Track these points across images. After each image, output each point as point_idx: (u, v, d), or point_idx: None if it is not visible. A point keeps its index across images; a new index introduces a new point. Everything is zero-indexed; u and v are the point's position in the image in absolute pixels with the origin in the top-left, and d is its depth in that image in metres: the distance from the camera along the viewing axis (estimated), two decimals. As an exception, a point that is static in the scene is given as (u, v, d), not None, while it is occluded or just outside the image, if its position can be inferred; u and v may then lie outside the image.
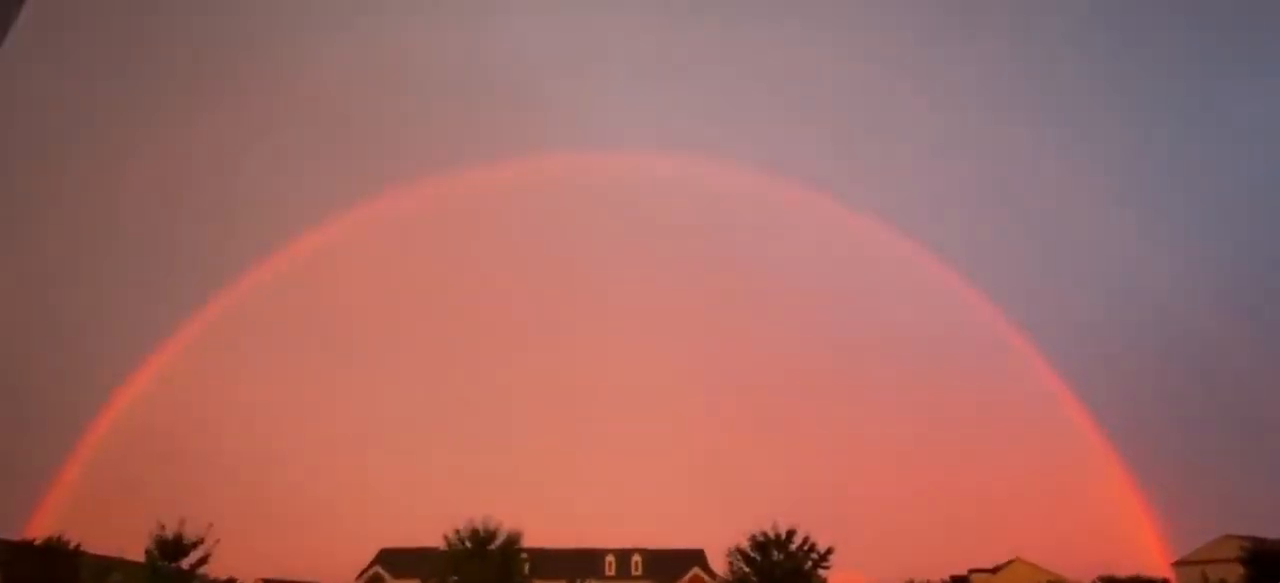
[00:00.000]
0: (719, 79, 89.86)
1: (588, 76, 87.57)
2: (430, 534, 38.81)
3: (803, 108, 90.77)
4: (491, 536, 36.13)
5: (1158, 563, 48.31)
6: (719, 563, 46.42)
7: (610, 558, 55.42)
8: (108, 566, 37.44)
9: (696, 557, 55.36)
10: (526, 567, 38.39)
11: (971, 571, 59.21)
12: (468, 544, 35.79)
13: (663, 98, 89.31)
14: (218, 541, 33.24)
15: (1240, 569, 35.06)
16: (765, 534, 35.52)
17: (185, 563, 32.69)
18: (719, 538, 53.05)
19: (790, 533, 35.36)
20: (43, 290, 67.74)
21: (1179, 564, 46.32)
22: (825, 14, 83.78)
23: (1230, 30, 77.24)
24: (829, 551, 35.35)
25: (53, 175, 71.72)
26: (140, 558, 33.14)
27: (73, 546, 35.37)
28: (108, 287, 77.24)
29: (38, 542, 35.17)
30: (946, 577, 61.07)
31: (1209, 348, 67.48)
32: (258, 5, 79.29)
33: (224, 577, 42.73)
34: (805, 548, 35.21)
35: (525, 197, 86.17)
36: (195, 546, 32.82)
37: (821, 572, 35.59)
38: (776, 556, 35.01)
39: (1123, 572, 41.46)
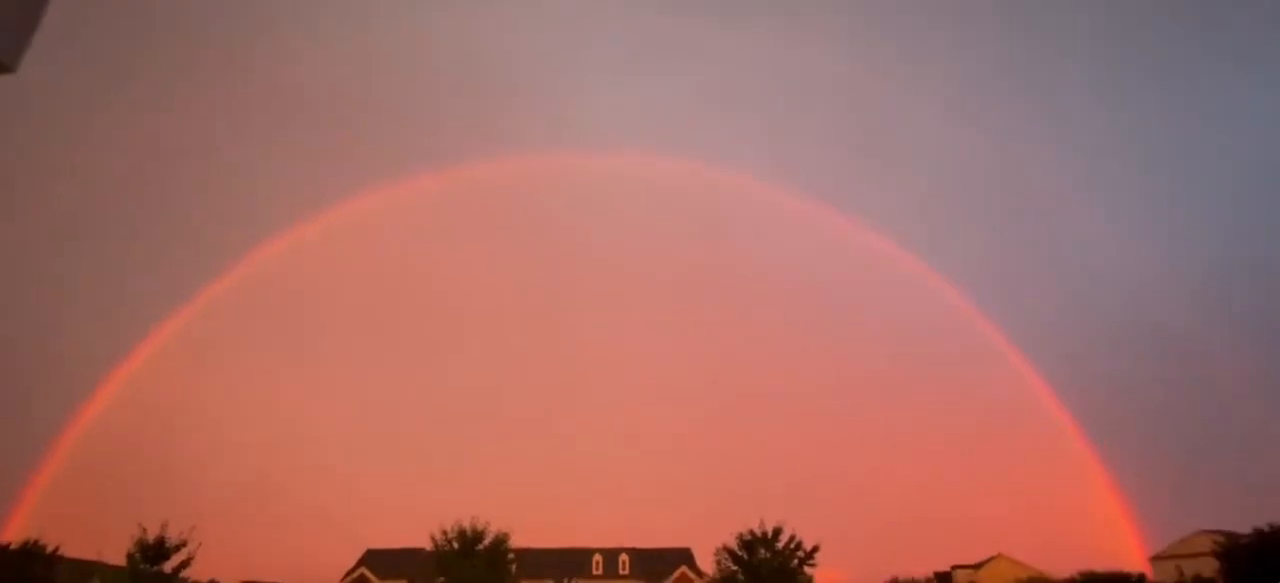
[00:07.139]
0: (715, 82, 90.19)
1: (582, 74, 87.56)
2: (417, 535, 38.61)
3: (794, 111, 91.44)
4: (479, 536, 35.87)
5: (1135, 558, 49.20)
6: (706, 562, 46.63)
7: (598, 557, 55.37)
8: (87, 569, 36.79)
9: (684, 556, 55.47)
10: (514, 567, 38.22)
11: (954, 567, 59.89)
12: (455, 545, 35.51)
13: (659, 98, 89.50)
14: (200, 543, 32.92)
15: (1214, 563, 35.81)
16: (752, 533, 35.67)
17: (167, 566, 32.26)
18: (706, 537, 53.20)
19: (777, 531, 35.50)
20: (13, 293, 66.36)
21: (1156, 559, 47.21)
22: (813, 17, 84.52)
23: (1207, 26, 78.89)
24: (815, 548, 35.55)
25: (23, 176, 70.25)
26: (121, 562, 32.64)
27: (51, 549, 34.73)
28: (82, 288, 75.85)
29: (13, 545, 34.49)
30: (930, 574, 61.76)
31: (1185, 346, 68.92)
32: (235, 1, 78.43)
33: (206, 579, 42.17)
34: (792, 546, 35.40)
35: (514, 194, 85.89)
36: (177, 549, 32.43)
37: (808, 569, 35.78)
38: (763, 554, 35.13)
39: (1102, 567, 42.23)
